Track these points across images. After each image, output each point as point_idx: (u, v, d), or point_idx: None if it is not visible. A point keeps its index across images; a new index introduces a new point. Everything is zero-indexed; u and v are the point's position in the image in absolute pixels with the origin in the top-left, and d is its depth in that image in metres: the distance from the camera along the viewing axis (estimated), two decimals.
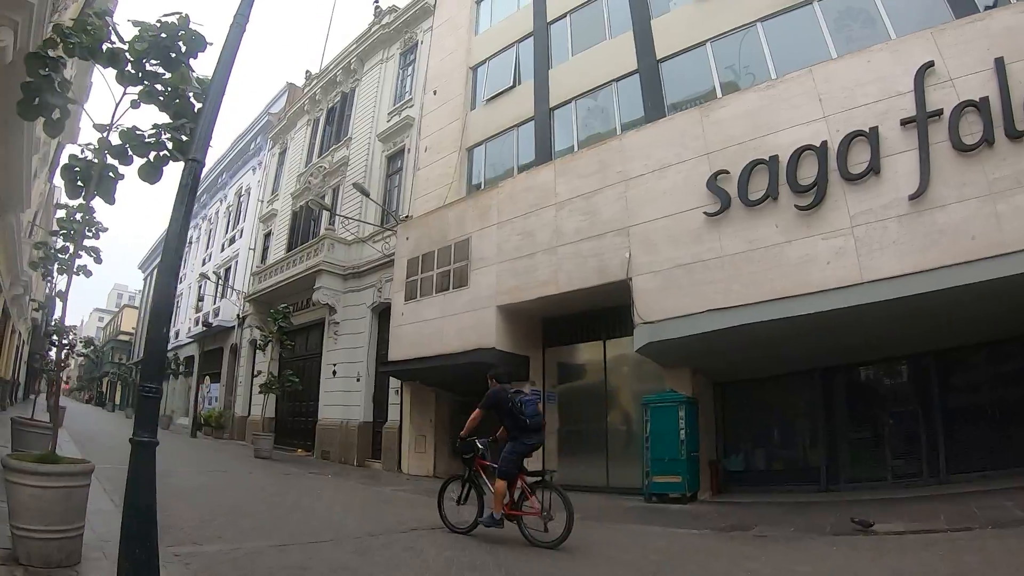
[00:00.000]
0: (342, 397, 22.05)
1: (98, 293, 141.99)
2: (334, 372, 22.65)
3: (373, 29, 27.78)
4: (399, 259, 19.44)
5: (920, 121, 10.16)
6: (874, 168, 10.47)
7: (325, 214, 26.47)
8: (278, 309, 22.91)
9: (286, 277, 25.53)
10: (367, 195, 21.70)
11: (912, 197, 9.99)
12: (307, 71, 34.67)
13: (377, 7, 28.35)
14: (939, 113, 10.03)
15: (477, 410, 8.89)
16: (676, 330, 11.99)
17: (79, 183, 5.87)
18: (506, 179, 17.37)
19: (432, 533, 8.84)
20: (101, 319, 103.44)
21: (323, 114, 31.39)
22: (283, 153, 35.37)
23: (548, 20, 19.09)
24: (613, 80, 16.66)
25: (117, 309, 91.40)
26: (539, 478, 8.39)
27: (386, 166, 24.54)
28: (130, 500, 4.64)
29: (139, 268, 70.94)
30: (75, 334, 49.65)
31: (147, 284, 65.53)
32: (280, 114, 36.66)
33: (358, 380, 21.67)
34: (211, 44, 5.64)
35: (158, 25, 5.47)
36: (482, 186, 18.99)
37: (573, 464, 15.69)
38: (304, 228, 28.97)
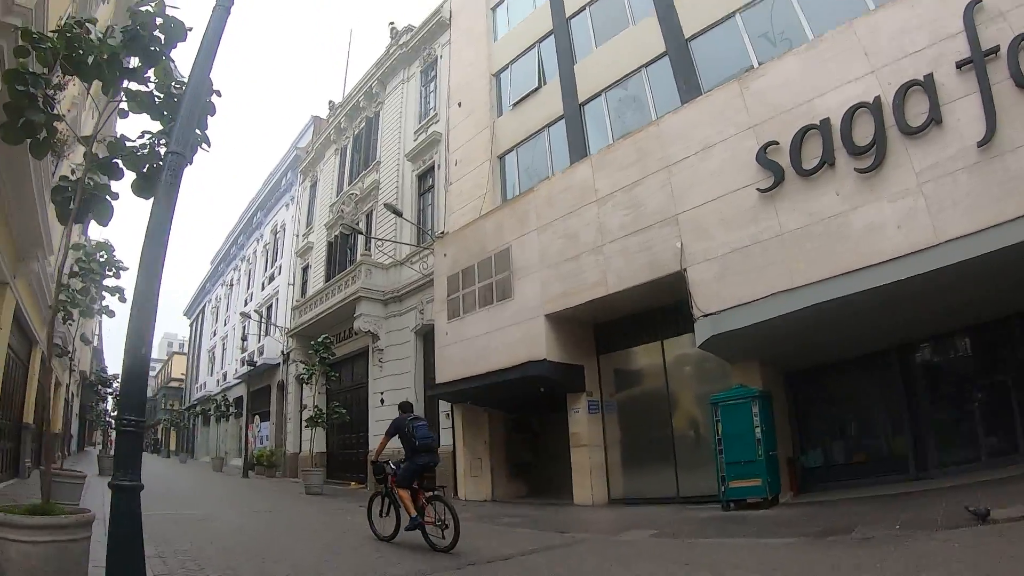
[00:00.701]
0: None
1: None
2: (382, 400, 21.92)
3: (391, 50, 27.41)
4: (438, 277, 18.74)
5: (977, 62, 9.24)
6: (935, 118, 9.50)
7: (361, 241, 26.08)
8: (319, 341, 22.34)
9: (326, 308, 25.06)
10: (399, 214, 21.09)
11: (981, 144, 9.05)
12: (330, 101, 34.55)
13: (393, 28, 28.03)
14: (995, 50, 9.11)
15: (383, 437, 10.35)
16: (739, 320, 11.00)
17: (71, 206, 5.18)
18: (542, 182, 16.54)
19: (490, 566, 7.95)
20: (153, 368, 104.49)
21: (350, 142, 31.22)
22: (314, 186, 35.32)
23: (567, 15, 18.29)
24: (642, 66, 15.72)
25: (167, 358, 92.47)
26: (433, 493, 9.60)
27: (417, 185, 23.97)
28: (112, 552, 3.94)
29: (184, 315, 71.78)
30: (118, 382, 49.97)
31: (192, 331, 66.29)
32: (308, 147, 36.78)
33: None
34: (191, 29, 4.93)
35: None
36: (517, 193, 18.14)
37: (639, 476, 14.88)
38: (341, 257, 28.55)
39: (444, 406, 18.97)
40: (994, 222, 8.74)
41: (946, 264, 9.04)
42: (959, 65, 9.40)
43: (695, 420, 14.27)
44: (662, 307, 14.12)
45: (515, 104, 19.42)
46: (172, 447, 64.53)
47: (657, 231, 12.86)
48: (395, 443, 10.01)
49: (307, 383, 24.02)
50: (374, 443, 21.57)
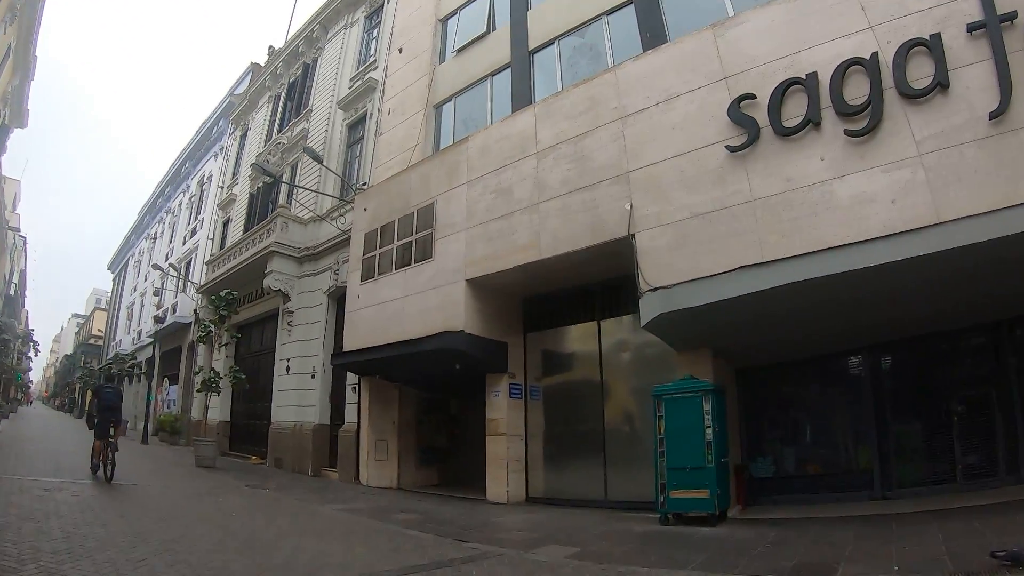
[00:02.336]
0: (296, 397, 19.26)
1: (79, 297, 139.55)
2: (287, 368, 19.81)
3: None
4: (356, 233, 16.74)
5: (992, 27, 7.85)
6: (941, 82, 8.03)
7: (284, 193, 23.79)
8: (221, 296, 20.08)
9: (238, 263, 22.76)
10: (319, 160, 19.00)
11: (993, 116, 7.65)
12: (270, 47, 31.86)
13: None
14: (1012, 16, 7.76)
15: (89, 393, 13.16)
16: (696, 296, 9.25)
17: None
18: (477, 132, 14.54)
19: None
20: (78, 325, 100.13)
21: (284, 89, 28.82)
22: (244, 135, 32.82)
23: None
24: (603, 13, 13.85)
25: (90, 313, 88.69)
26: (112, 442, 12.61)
27: (347, 136, 21.86)
28: None
29: (108, 269, 68.34)
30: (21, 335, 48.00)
31: (115, 285, 63.11)
32: (243, 95, 34.09)
33: (313, 377, 18.88)
34: None
35: None
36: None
37: (563, 473, 13.18)
38: (262, 211, 25.97)
39: (352, 379, 16.98)
40: (1005, 204, 7.39)
41: (946, 248, 7.57)
42: (970, 29, 8.04)
43: (630, 415, 12.62)
44: (602, 282, 12.50)
45: (459, 50, 17.40)
46: (86, 406, 61.16)
47: (605, 189, 11.05)
48: None
49: (204, 343, 21.86)
50: (277, 414, 19.80)
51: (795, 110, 9.13)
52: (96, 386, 16.83)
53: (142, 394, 39.85)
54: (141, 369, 35.70)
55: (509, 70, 15.50)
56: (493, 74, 16.01)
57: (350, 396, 17.03)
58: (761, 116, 9.39)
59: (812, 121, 8.90)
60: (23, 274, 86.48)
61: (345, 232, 18.09)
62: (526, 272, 12.36)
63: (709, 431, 9.56)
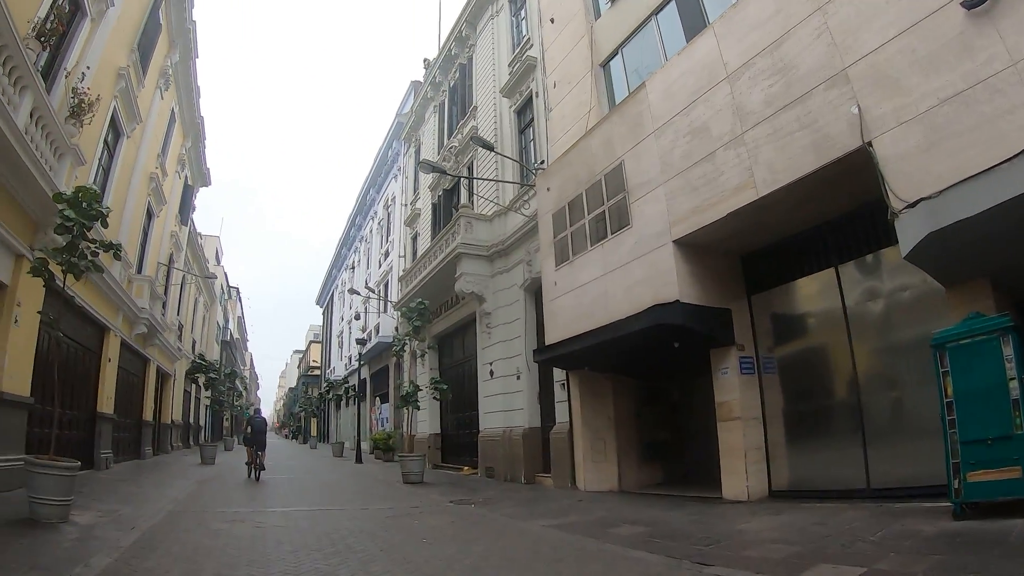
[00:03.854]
0: (503, 401, 18.24)
1: (299, 334, 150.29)
2: (491, 372, 18.88)
3: None
4: (542, 217, 15.39)
5: None
6: None
7: (463, 195, 23.30)
8: (411, 307, 19.52)
9: (428, 272, 22.35)
10: (490, 148, 17.85)
11: None
12: (424, 59, 31.97)
13: None
14: None
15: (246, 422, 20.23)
16: (973, 200, 6.66)
17: None
18: (654, 74, 12.51)
19: None
20: (299, 360, 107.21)
21: (446, 95, 28.64)
22: (418, 151, 33.14)
23: None
24: None
25: (306, 347, 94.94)
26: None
27: (516, 122, 20.68)
28: None
29: (316, 304, 72.30)
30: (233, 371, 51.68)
31: (324, 319, 66.65)
32: (409, 113, 34.59)
33: (518, 378, 17.72)
34: None
35: None
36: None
37: (810, 460, 10.87)
38: (444, 218, 25.67)
39: (559, 374, 15.62)
40: None
41: None
42: None
43: (892, 378, 9.94)
44: (833, 219, 10.14)
45: (613, 0, 15.73)
46: (314, 433, 65.20)
47: (820, 97, 8.80)
48: None
49: (401, 356, 21.49)
50: (485, 422, 18.84)
51: None
52: (249, 417, 24.00)
53: (354, 416, 41.89)
54: (354, 391, 36.67)
55: (672, 1, 13.61)
56: (655, 12, 13.91)
57: (559, 394, 15.68)
58: None
59: None
60: (241, 321, 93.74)
61: (531, 218, 16.89)
62: (741, 220, 10.29)
63: (1015, 385, 6.81)
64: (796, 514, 8.85)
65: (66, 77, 13.29)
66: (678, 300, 10.83)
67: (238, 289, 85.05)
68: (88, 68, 14.07)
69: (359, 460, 27.43)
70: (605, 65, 15.70)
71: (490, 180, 19.95)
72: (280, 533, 8.71)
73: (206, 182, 37.03)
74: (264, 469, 18.72)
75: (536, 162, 17.88)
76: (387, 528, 9.33)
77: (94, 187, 9.76)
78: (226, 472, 20.52)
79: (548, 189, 15.20)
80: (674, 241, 11.10)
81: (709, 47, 10.89)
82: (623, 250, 12.26)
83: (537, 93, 18.94)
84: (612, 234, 12.65)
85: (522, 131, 20.45)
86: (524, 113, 20.43)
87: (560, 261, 14.34)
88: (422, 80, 32.38)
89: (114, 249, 9.74)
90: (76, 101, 13.12)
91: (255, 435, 18.86)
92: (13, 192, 11.06)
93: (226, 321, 66.88)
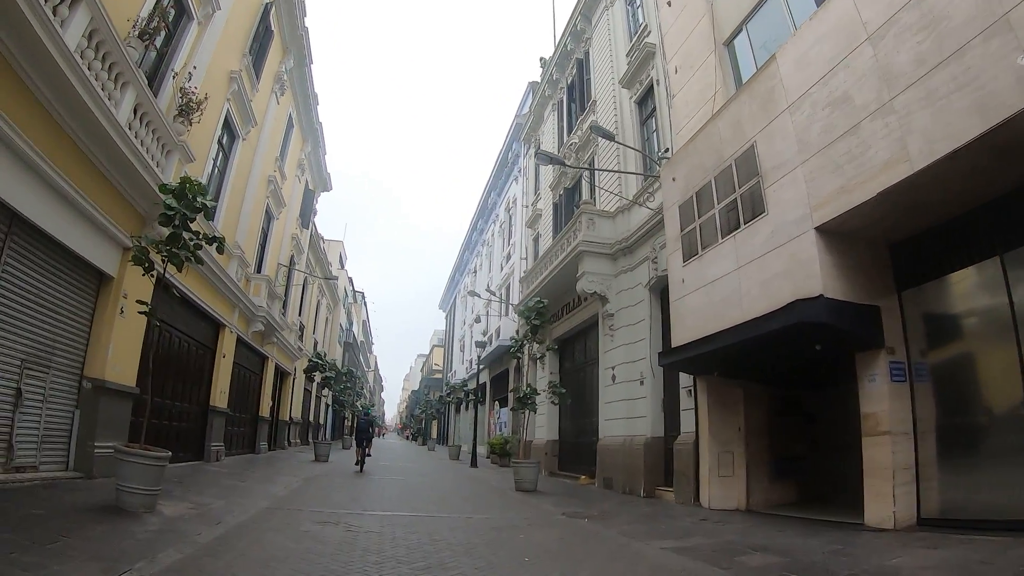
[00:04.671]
0: (624, 408, 17.15)
1: (424, 338, 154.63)
2: (613, 377, 17.83)
3: None
4: (668, 210, 14.26)
5: None
6: None
7: (585, 192, 22.58)
8: (530, 306, 18.78)
9: (549, 273, 21.63)
10: (611, 137, 16.87)
11: None
12: (541, 58, 31.63)
13: None
14: None
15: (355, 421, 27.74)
16: None
17: None
18: (783, 45, 11.15)
19: None
20: (422, 363, 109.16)
21: (564, 92, 28.10)
22: (538, 151, 32.18)
23: None
24: None
25: (429, 351, 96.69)
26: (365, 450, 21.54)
27: (637, 113, 19.65)
28: None
29: (440, 308, 73.09)
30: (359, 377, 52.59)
31: (447, 323, 67.32)
32: (528, 114, 34.44)
33: (641, 384, 16.58)
34: None
35: None
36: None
37: (963, 482, 9.17)
38: (566, 217, 24.93)
39: (686, 380, 14.44)
40: None
41: None
42: None
43: None
44: (996, 199, 8.50)
45: None
46: (433, 435, 65.89)
47: (979, 50, 7.29)
48: None
49: (518, 357, 20.84)
50: (605, 429, 17.89)
51: None
52: (356, 416, 29.62)
53: (468, 420, 42.06)
54: (476, 396, 36.59)
55: None
56: None
57: (685, 401, 14.48)
58: None
59: None
60: (365, 324, 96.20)
61: (657, 212, 15.81)
62: (892, 201, 8.84)
63: None
64: (955, 549, 7.40)
65: (173, 78, 13.62)
66: (822, 295, 9.44)
67: (363, 294, 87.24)
68: (195, 68, 14.40)
69: (474, 464, 27.11)
70: (728, 44, 14.42)
71: (611, 171, 19.05)
72: (370, 540, 8.09)
73: (327, 187, 37.94)
74: (370, 456, 22.71)
75: (660, 151, 16.78)
76: (489, 542, 8.48)
77: (199, 180, 9.53)
78: (336, 470, 20.49)
79: (673, 179, 14.11)
80: (816, 228, 9.72)
81: (845, 7, 9.51)
82: (757, 241, 11.00)
83: (658, 81, 17.87)
84: (745, 224, 11.40)
85: (644, 122, 19.38)
86: (645, 104, 19.36)
87: (688, 256, 13.21)
88: (539, 79, 31.98)
89: (217, 242, 9.59)
90: (184, 100, 13.31)
91: (359, 433, 22.45)
92: (118, 186, 11.35)
93: (350, 324, 68.56)
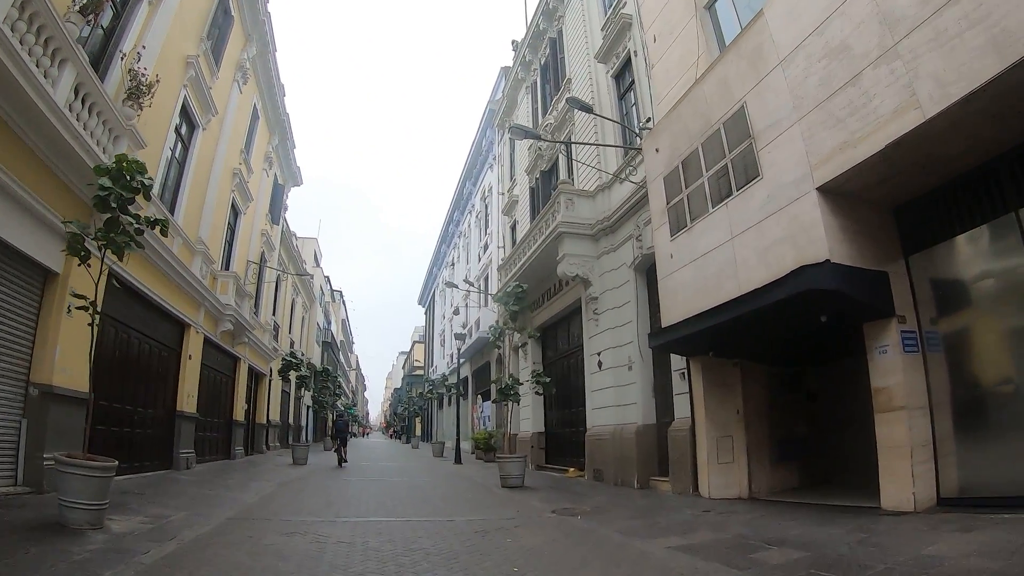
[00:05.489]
0: (613, 395, 16.30)
1: (404, 336, 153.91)
2: (599, 363, 17.01)
3: None
4: (652, 183, 13.49)
5: None
6: None
7: (563, 172, 21.85)
8: (508, 291, 17.95)
9: (528, 259, 20.74)
10: (589, 109, 16.08)
11: None
12: (512, 41, 30.82)
13: None
14: None
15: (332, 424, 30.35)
16: None
17: None
18: None
19: None
20: (404, 361, 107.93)
21: (538, 73, 27.29)
22: (512, 126, 31.37)
23: None
24: None
25: (410, 347, 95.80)
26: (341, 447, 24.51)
27: (614, 88, 18.87)
28: None
29: (419, 303, 72.27)
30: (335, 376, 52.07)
31: (427, 318, 66.58)
32: (501, 100, 33.57)
33: (630, 369, 15.76)
34: None
35: None
36: None
37: (988, 459, 8.54)
38: (543, 201, 24.00)
39: (678, 362, 13.61)
40: None
41: None
42: None
43: None
44: (1011, 149, 7.80)
45: None
46: (417, 433, 65.05)
47: None
48: None
49: (496, 344, 20.05)
50: (593, 418, 17.07)
51: None
52: (334, 419, 33.13)
53: (450, 416, 41.35)
54: (458, 390, 35.60)
55: None
56: None
57: (678, 385, 13.64)
58: None
59: None
60: (344, 323, 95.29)
61: (640, 186, 15.01)
62: (900, 155, 8.05)
63: None
64: (989, 531, 6.69)
65: (122, 59, 12.60)
66: (828, 259, 8.67)
67: (341, 292, 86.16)
68: (144, 48, 13.38)
69: (458, 460, 26.25)
70: (710, 7, 13.61)
71: (590, 144, 18.31)
72: (340, 552, 7.15)
73: (297, 181, 36.85)
74: (347, 461, 24.71)
75: (641, 123, 15.95)
76: (472, 549, 7.54)
77: (137, 158, 8.59)
78: (314, 473, 19.40)
79: (657, 150, 13.31)
80: (818, 188, 8.95)
81: None
82: (753, 206, 10.19)
83: (635, 52, 17.05)
84: (738, 190, 10.59)
85: (622, 96, 18.61)
86: (623, 77, 18.58)
87: (676, 229, 12.40)
88: (511, 63, 31.09)
89: (160, 224, 8.55)
90: (133, 83, 12.33)
91: (338, 432, 25.74)
92: (62, 176, 10.40)
93: (328, 323, 67.45)
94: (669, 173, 12.74)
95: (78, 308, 8.22)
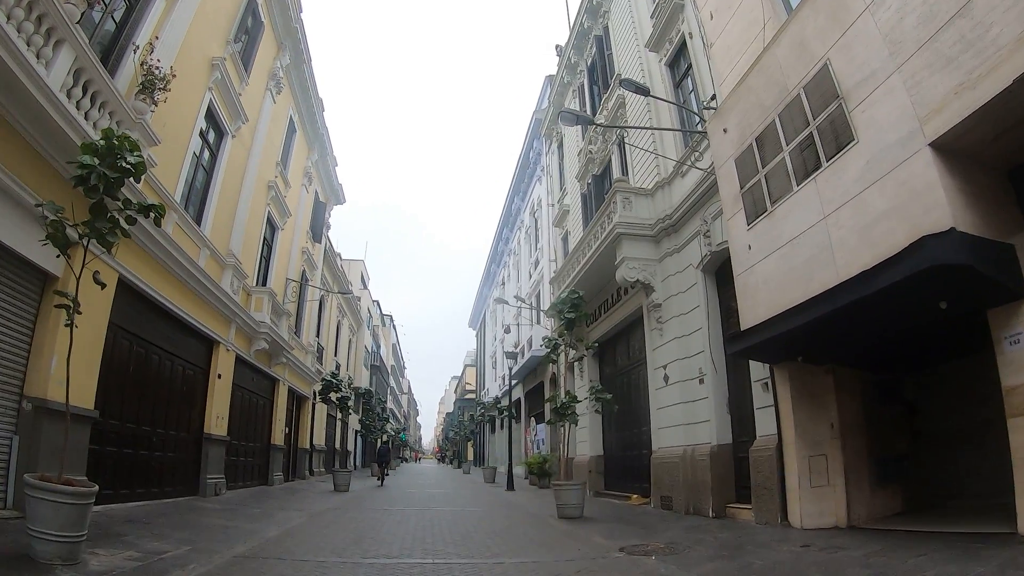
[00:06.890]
0: (682, 413, 14.52)
1: (457, 360, 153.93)
2: (665, 378, 15.31)
3: None
4: (721, 168, 11.93)
5: None
6: None
7: (616, 171, 20.34)
8: (561, 299, 16.49)
9: (582, 267, 19.23)
10: (645, 92, 14.57)
11: None
12: (556, 46, 29.62)
13: None
14: None
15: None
16: None
17: None
18: None
19: None
20: (456, 385, 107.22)
21: (585, 74, 25.93)
22: (560, 145, 30.79)
23: None
24: None
25: (462, 371, 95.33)
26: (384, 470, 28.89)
27: (669, 77, 17.32)
28: None
29: (470, 326, 71.49)
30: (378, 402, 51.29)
31: (478, 340, 65.66)
32: (547, 108, 32.43)
33: (701, 382, 14.04)
34: None
35: None
36: None
37: None
38: (596, 206, 22.35)
39: (758, 372, 11.92)
40: None
41: None
42: None
43: None
44: None
45: None
46: (470, 457, 63.76)
47: None
48: None
49: (553, 362, 18.60)
50: (659, 439, 15.27)
51: None
52: (379, 444, 38.34)
53: (502, 440, 40.08)
54: (510, 412, 34.25)
55: None
56: None
57: (760, 398, 11.86)
58: None
59: None
60: (396, 348, 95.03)
61: (707, 173, 13.49)
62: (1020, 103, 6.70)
63: None
64: None
65: (135, 52, 11.71)
66: (953, 228, 6.95)
67: (391, 317, 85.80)
68: (157, 39, 12.54)
69: (511, 487, 24.76)
70: None
71: (646, 129, 16.80)
72: None
73: (340, 199, 36.10)
74: (388, 474, 30.27)
75: (705, 101, 14.37)
76: None
77: (130, 134, 7.45)
78: (353, 502, 17.81)
79: (724, 131, 11.76)
80: (930, 144, 7.28)
81: None
82: (848, 177, 8.52)
83: (690, 34, 15.56)
84: (828, 160, 8.93)
85: (678, 84, 17.07)
86: (677, 65, 17.08)
87: (754, 216, 10.78)
88: (556, 69, 29.88)
89: (154, 210, 7.17)
90: (147, 76, 11.37)
91: (380, 456, 30.77)
92: (60, 169, 9.31)
93: (377, 347, 66.66)
94: (741, 154, 11.18)
95: (55, 306, 7.08)
